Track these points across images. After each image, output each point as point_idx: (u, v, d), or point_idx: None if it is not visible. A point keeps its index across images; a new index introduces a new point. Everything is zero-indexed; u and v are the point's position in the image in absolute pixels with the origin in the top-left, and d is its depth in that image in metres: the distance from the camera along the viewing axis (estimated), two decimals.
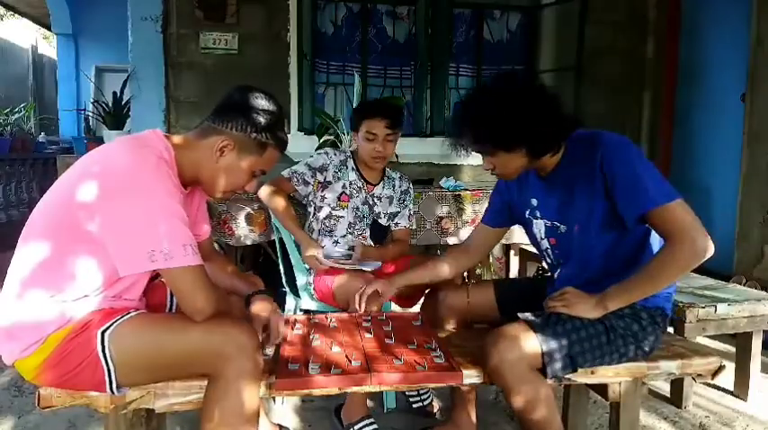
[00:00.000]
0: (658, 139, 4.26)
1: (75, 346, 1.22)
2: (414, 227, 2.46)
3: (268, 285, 1.74)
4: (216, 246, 2.27)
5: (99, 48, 6.94)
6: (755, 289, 2.52)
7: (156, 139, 1.32)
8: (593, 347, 1.38)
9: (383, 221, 2.28)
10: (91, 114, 4.73)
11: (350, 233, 2.22)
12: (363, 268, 2.08)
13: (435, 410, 2.07)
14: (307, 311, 2.15)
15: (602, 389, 1.54)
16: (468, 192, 2.79)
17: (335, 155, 2.25)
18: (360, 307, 1.70)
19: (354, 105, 3.14)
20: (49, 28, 7.51)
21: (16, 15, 8.38)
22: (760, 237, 3.19)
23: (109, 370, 1.22)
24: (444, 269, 1.75)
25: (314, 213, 2.23)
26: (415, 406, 2.07)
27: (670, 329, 1.76)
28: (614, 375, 1.47)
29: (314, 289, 2.14)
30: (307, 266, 2.18)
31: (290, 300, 2.25)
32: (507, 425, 2.03)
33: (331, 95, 4.41)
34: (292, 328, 1.60)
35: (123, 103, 3.77)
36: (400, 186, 2.33)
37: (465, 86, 4.63)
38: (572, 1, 4.19)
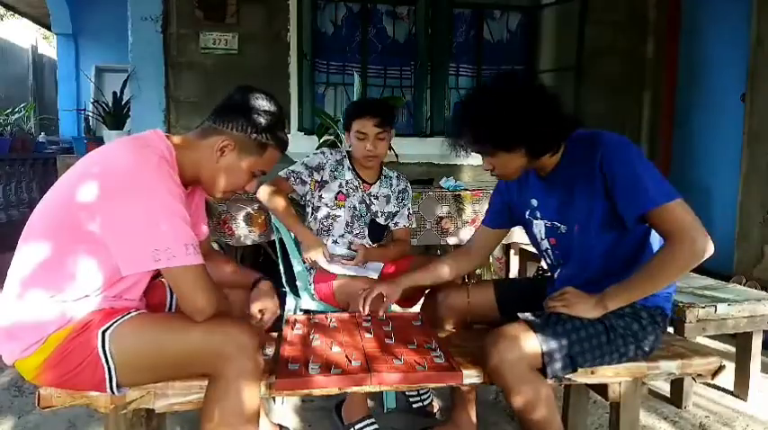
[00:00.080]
0: (658, 139, 4.26)
1: (75, 346, 1.22)
2: (414, 226, 2.46)
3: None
4: (215, 246, 2.28)
5: (99, 48, 6.94)
6: (755, 289, 2.52)
7: (157, 139, 1.32)
8: (592, 347, 1.38)
9: (381, 220, 2.28)
10: (91, 114, 4.72)
11: (348, 232, 2.22)
12: (367, 274, 2.08)
13: (435, 410, 2.07)
14: (307, 311, 2.15)
15: (602, 389, 1.54)
16: (468, 192, 2.79)
17: (332, 154, 2.25)
18: (363, 309, 1.66)
19: None
20: (49, 28, 7.51)
21: (16, 15, 8.38)
22: (760, 237, 3.19)
23: (109, 369, 1.22)
24: (446, 270, 1.75)
25: (312, 213, 2.23)
26: (415, 406, 2.07)
27: (670, 329, 1.76)
28: (614, 375, 1.47)
29: (314, 289, 2.14)
30: (307, 266, 2.18)
31: (290, 300, 2.25)
32: (507, 425, 2.03)
33: (331, 95, 4.41)
34: (292, 328, 1.60)
35: (123, 103, 3.77)
36: (398, 185, 2.33)
37: (465, 86, 4.63)
38: (572, 1, 4.19)
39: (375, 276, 2.06)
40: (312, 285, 2.14)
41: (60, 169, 3.45)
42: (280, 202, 2.14)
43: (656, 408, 2.17)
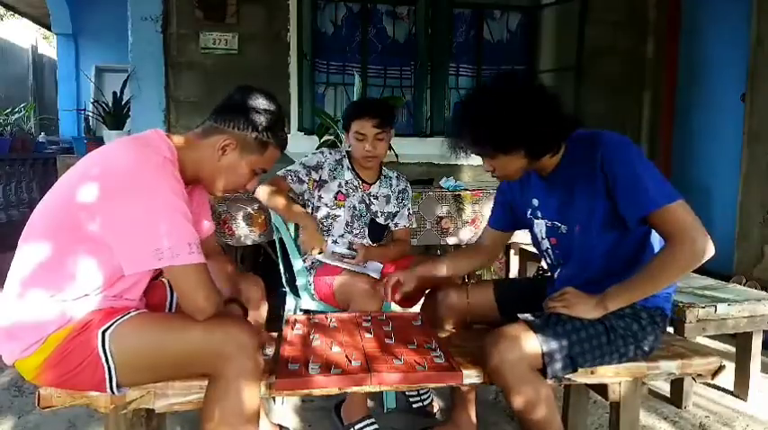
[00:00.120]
0: (658, 139, 4.26)
1: (75, 346, 1.22)
2: (414, 226, 2.46)
3: (268, 285, 1.74)
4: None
5: (99, 48, 6.94)
6: (755, 289, 2.52)
7: (157, 139, 1.32)
8: (593, 347, 1.38)
9: (381, 220, 2.28)
10: (91, 114, 4.72)
11: (348, 232, 2.22)
12: (368, 272, 2.08)
13: (435, 410, 2.07)
14: (307, 311, 2.15)
15: (602, 389, 1.54)
16: (468, 192, 2.79)
17: (331, 154, 2.25)
18: (388, 297, 1.74)
19: None
20: (49, 28, 7.51)
21: (16, 15, 8.38)
22: (760, 237, 3.19)
23: (109, 369, 1.22)
24: (459, 265, 1.81)
25: (311, 213, 2.23)
26: (415, 406, 2.07)
27: (670, 329, 1.76)
28: (614, 375, 1.47)
29: (314, 289, 2.14)
30: (307, 265, 2.18)
31: (290, 300, 2.25)
32: (507, 426, 2.03)
33: (331, 95, 4.41)
34: (292, 328, 1.60)
35: (123, 103, 3.77)
36: (398, 185, 2.33)
37: (465, 86, 4.63)
38: (572, 1, 4.19)
39: (375, 276, 2.06)
40: (312, 285, 2.14)
41: (60, 169, 3.45)
42: (279, 200, 2.13)
43: (656, 408, 2.17)
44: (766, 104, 3.20)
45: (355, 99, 3.26)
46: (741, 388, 2.26)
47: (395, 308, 2.20)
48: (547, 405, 1.37)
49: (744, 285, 2.70)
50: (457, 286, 1.81)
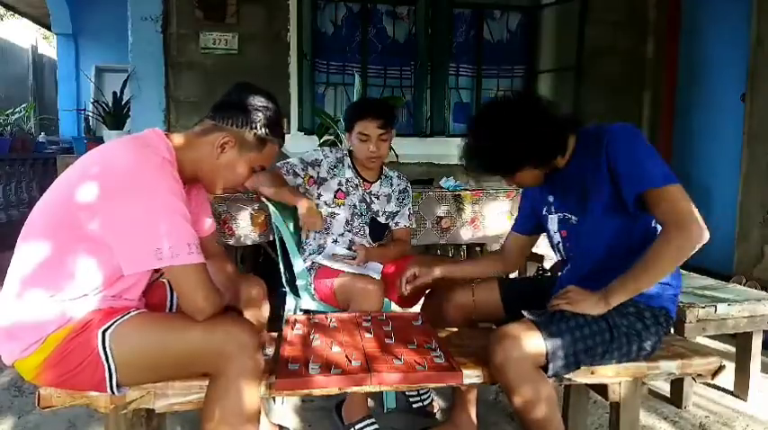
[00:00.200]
0: (658, 139, 4.26)
1: (75, 346, 1.22)
2: (414, 226, 2.46)
3: (268, 285, 1.74)
4: None
5: (99, 48, 6.94)
6: (755, 289, 2.52)
7: (156, 138, 1.32)
8: (595, 344, 1.39)
9: (381, 219, 2.28)
10: (91, 114, 4.73)
11: (348, 231, 2.22)
12: (368, 272, 2.08)
13: (435, 410, 2.07)
14: (307, 311, 2.15)
15: (602, 389, 1.54)
16: (468, 192, 2.79)
17: (331, 152, 2.26)
18: (405, 289, 1.79)
19: None
20: (49, 28, 7.52)
21: (16, 15, 8.38)
22: (760, 237, 3.19)
23: (110, 369, 1.22)
24: (478, 270, 1.85)
25: None
26: (415, 406, 2.07)
27: (670, 331, 1.76)
28: (614, 375, 1.47)
29: (314, 289, 2.14)
30: (307, 266, 2.18)
31: (290, 300, 2.25)
32: (507, 426, 2.03)
33: (331, 95, 4.42)
34: (292, 328, 1.60)
35: (123, 103, 3.77)
36: (398, 185, 2.33)
37: (465, 86, 4.64)
38: (572, 1, 4.19)
39: (376, 276, 2.06)
40: (312, 285, 2.14)
41: (60, 169, 3.45)
42: (274, 184, 2.11)
43: (656, 408, 2.17)
44: (766, 104, 3.20)
45: (355, 99, 3.27)
46: (741, 388, 2.26)
47: (395, 308, 2.20)
48: (548, 404, 1.37)
49: (744, 285, 2.71)
50: (462, 285, 1.82)
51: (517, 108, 1.47)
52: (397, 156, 3.23)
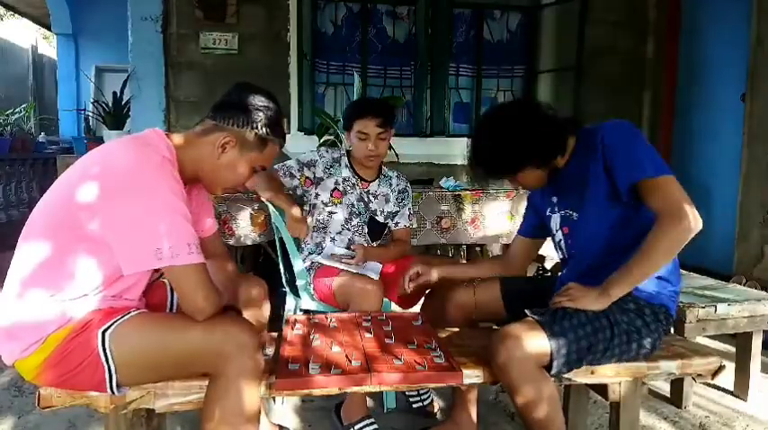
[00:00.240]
0: (658, 139, 4.26)
1: (75, 346, 1.22)
2: (414, 226, 2.46)
3: (268, 285, 1.74)
4: None
5: (99, 48, 6.94)
6: (755, 289, 2.52)
7: (156, 138, 1.32)
8: (597, 341, 1.39)
9: (380, 219, 2.28)
10: (91, 114, 4.73)
11: (346, 229, 2.22)
12: (367, 272, 2.08)
13: (435, 410, 2.07)
14: (307, 311, 2.15)
15: (602, 389, 1.54)
16: (468, 192, 2.79)
17: (327, 152, 2.26)
18: (408, 287, 1.82)
19: None
20: (49, 28, 7.52)
21: (16, 15, 8.38)
22: (760, 237, 3.19)
23: (109, 369, 1.22)
24: (480, 272, 1.86)
25: (309, 211, 2.24)
26: (415, 406, 2.07)
27: (671, 330, 1.76)
28: (614, 375, 1.47)
29: (314, 289, 2.14)
30: (307, 266, 2.18)
31: (290, 300, 2.25)
32: (507, 425, 2.03)
33: (331, 95, 4.42)
34: (292, 328, 1.60)
35: (123, 103, 3.77)
36: (397, 185, 2.33)
37: (465, 86, 4.63)
38: (572, 1, 4.19)
39: (375, 276, 2.06)
40: (312, 285, 2.14)
41: (60, 169, 3.45)
42: (271, 186, 2.14)
43: (656, 408, 2.17)
44: (766, 104, 3.20)
45: (355, 99, 3.26)
46: (741, 388, 2.26)
47: (395, 308, 2.20)
48: (550, 403, 1.37)
49: (744, 285, 2.70)
50: (463, 284, 1.82)
51: (518, 110, 1.53)
52: (397, 156, 3.23)
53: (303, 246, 2.25)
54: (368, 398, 1.97)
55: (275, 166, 2.20)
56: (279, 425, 1.88)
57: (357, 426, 1.83)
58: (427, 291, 1.97)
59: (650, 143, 1.45)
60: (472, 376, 1.41)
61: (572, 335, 1.36)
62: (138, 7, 3.82)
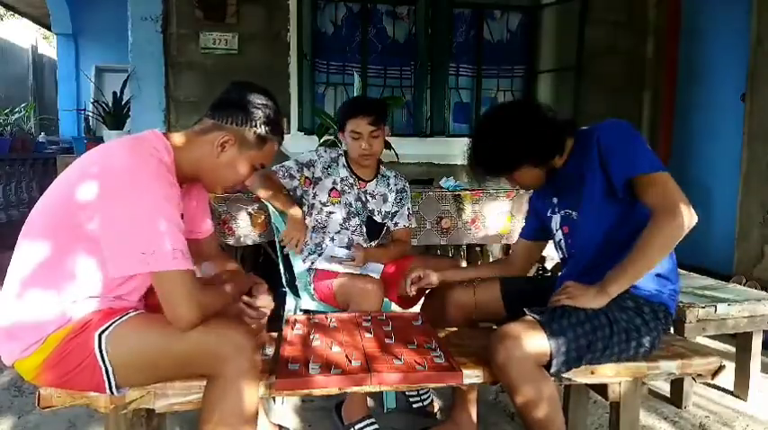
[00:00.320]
0: (658, 139, 4.26)
1: (73, 347, 1.22)
2: (414, 226, 2.46)
3: (268, 285, 1.74)
4: None
5: (99, 48, 6.94)
6: (755, 289, 2.52)
7: (155, 140, 1.32)
8: (596, 339, 1.39)
9: (378, 219, 2.28)
10: (91, 114, 4.73)
11: (344, 229, 2.22)
12: (368, 273, 2.08)
13: (435, 410, 2.07)
14: (307, 311, 2.15)
15: (602, 389, 1.54)
16: (468, 192, 2.79)
17: (326, 152, 2.27)
18: (410, 290, 1.84)
19: None
20: (49, 28, 7.52)
21: (16, 15, 8.38)
22: (760, 237, 3.19)
23: (107, 371, 1.22)
24: (486, 276, 1.86)
25: (308, 211, 2.24)
26: (415, 406, 2.07)
27: (670, 329, 1.76)
28: (614, 375, 1.47)
29: (314, 289, 2.14)
30: (306, 267, 2.18)
31: (290, 300, 2.25)
32: (507, 425, 2.03)
33: (331, 95, 4.42)
34: (292, 328, 1.60)
35: (123, 103, 3.77)
36: (396, 185, 2.33)
37: (465, 86, 4.63)
38: (572, 1, 4.19)
39: (375, 277, 2.06)
40: (312, 285, 2.14)
41: (60, 169, 3.45)
42: (269, 186, 2.14)
43: (656, 408, 2.17)
44: (766, 104, 3.20)
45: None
46: (741, 388, 2.26)
47: (395, 308, 2.20)
48: (550, 403, 1.37)
49: (744, 285, 2.71)
50: (463, 284, 1.82)
51: (518, 110, 1.55)
52: (397, 156, 3.23)
53: (303, 246, 2.25)
54: (368, 398, 1.97)
55: (274, 168, 2.20)
56: (279, 425, 1.87)
57: (357, 426, 1.84)
58: (427, 291, 1.97)
59: (650, 143, 1.46)
60: (472, 376, 1.41)
61: (571, 334, 1.37)
62: (138, 7, 3.82)
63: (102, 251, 1.20)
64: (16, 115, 5.31)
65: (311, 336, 1.54)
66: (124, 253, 1.18)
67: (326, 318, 1.71)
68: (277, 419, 1.97)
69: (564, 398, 1.92)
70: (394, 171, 2.38)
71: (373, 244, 2.30)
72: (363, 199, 2.25)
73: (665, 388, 2.29)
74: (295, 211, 2.15)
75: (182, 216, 1.29)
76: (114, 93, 3.77)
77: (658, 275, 1.48)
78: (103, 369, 1.22)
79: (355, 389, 1.34)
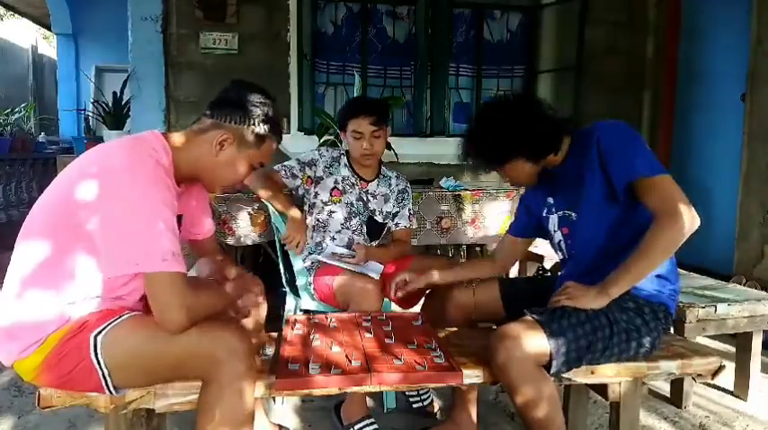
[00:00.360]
0: (658, 139, 4.26)
1: (71, 348, 1.22)
2: (414, 226, 2.46)
3: (268, 285, 1.74)
4: None
5: (99, 48, 6.95)
6: (755, 289, 2.52)
7: (154, 140, 1.31)
8: (596, 340, 1.39)
9: (379, 219, 2.28)
10: (91, 114, 4.73)
11: (345, 228, 2.22)
12: (368, 272, 2.08)
13: (435, 410, 2.07)
14: (307, 311, 2.15)
15: (602, 389, 1.54)
16: (468, 192, 2.79)
17: (327, 151, 2.27)
18: (392, 293, 1.85)
19: None
20: (49, 28, 7.52)
21: (16, 15, 8.38)
22: (760, 237, 3.19)
23: (104, 374, 1.22)
24: (478, 274, 1.85)
25: (309, 210, 2.24)
26: (415, 406, 2.07)
27: (670, 329, 1.76)
28: (614, 375, 1.47)
29: (314, 289, 2.14)
30: (307, 265, 2.18)
31: (290, 300, 2.25)
32: (507, 425, 2.03)
33: (331, 95, 4.42)
34: (292, 328, 1.60)
35: (123, 103, 3.77)
36: (397, 185, 2.33)
37: (465, 86, 4.63)
38: (572, 1, 4.19)
39: (375, 276, 2.07)
40: (312, 285, 2.14)
41: (60, 169, 3.45)
42: (269, 186, 2.14)
43: (656, 408, 2.17)
44: (766, 104, 3.20)
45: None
46: (741, 388, 2.26)
47: (395, 308, 2.20)
48: (550, 403, 1.37)
49: (744, 285, 2.71)
50: (463, 285, 1.82)
51: (514, 102, 1.54)
52: (396, 156, 3.23)
53: (304, 247, 2.25)
54: (368, 398, 1.97)
55: (275, 167, 2.20)
56: (279, 424, 1.87)
57: (357, 426, 1.83)
58: (428, 291, 1.97)
59: (650, 143, 1.46)
60: (472, 376, 1.41)
61: (571, 334, 1.36)
62: (138, 7, 3.82)
63: (99, 251, 1.20)
64: (16, 115, 5.31)
65: (311, 336, 1.54)
66: (116, 253, 1.17)
67: (326, 318, 1.71)
68: (277, 419, 1.97)
69: (564, 398, 1.92)
70: (395, 172, 2.38)
71: (374, 244, 2.30)
72: (365, 199, 2.25)
73: (665, 388, 2.29)
74: (295, 212, 2.15)
75: (180, 217, 1.28)
76: (114, 93, 3.77)
77: (658, 276, 1.48)
78: (100, 371, 1.21)
79: (355, 389, 1.34)
